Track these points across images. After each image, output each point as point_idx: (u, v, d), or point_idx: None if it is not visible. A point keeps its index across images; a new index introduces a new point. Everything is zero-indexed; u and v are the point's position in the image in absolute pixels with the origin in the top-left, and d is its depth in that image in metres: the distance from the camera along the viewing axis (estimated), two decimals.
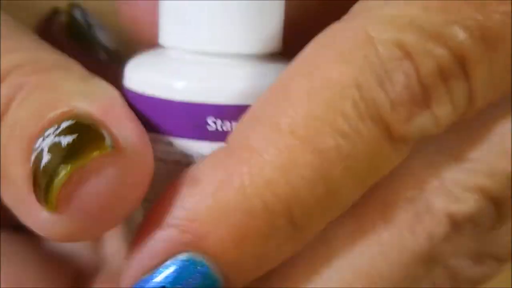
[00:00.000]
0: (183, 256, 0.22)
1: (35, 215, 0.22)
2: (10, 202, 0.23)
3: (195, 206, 0.21)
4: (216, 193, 0.21)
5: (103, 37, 0.32)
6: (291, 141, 0.20)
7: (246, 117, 0.23)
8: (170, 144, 0.26)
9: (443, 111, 0.21)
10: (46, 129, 0.21)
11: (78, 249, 0.30)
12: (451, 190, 0.22)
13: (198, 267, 0.21)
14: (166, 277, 0.21)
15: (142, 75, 0.26)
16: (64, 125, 0.21)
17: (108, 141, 0.21)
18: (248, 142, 0.21)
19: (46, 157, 0.21)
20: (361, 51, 0.20)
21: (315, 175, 0.20)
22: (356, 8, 0.22)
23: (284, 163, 0.20)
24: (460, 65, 0.21)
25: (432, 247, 0.22)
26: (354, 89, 0.20)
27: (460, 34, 0.20)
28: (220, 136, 0.24)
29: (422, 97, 0.21)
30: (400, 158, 0.21)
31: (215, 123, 0.24)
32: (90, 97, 0.22)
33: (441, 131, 0.21)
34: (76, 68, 0.24)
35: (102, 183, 0.20)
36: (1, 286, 0.28)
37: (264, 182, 0.21)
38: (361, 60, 0.20)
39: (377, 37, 0.20)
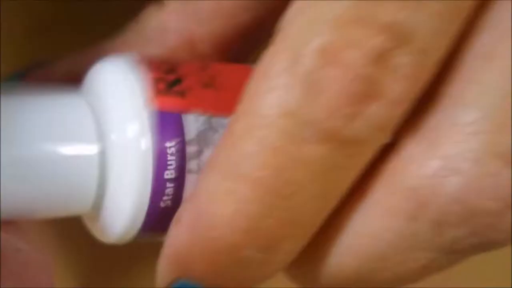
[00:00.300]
0: (180, 281, 0.23)
1: None
2: None
3: (176, 243, 0.23)
4: (189, 232, 0.22)
5: None
6: (240, 185, 0.20)
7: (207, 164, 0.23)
8: None
9: (393, 92, 0.19)
10: None
11: None
12: None
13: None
14: None
15: None
16: None
17: None
18: (206, 188, 0.22)
19: None
20: (286, 70, 0.19)
21: (270, 211, 0.20)
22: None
23: (238, 207, 0.21)
24: (393, 37, 0.19)
25: None
26: (283, 119, 0.19)
27: (383, 11, 0.19)
28: None
29: (361, 92, 0.19)
30: (363, 159, 0.20)
31: None
32: None
33: (405, 108, 0.20)
34: None
35: None
36: None
37: (226, 223, 0.21)
38: (284, 85, 0.19)
39: (301, 49, 0.19)
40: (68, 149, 0.23)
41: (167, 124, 0.23)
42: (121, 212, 0.24)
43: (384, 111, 0.19)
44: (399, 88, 0.19)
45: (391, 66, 0.19)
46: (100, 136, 0.24)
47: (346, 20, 0.18)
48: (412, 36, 0.19)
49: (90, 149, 0.23)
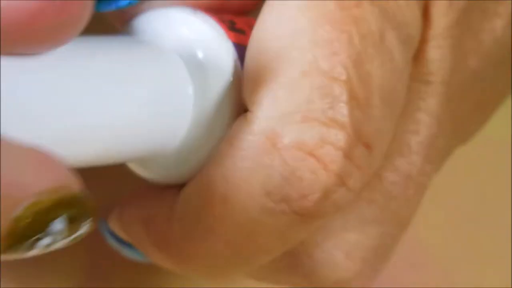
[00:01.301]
0: None
1: None
2: None
3: None
4: None
5: None
6: (217, 260, 0.23)
7: None
8: None
9: (355, 181, 0.23)
10: None
11: None
12: None
13: None
14: None
15: None
16: None
17: None
18: None
19: None
20: (268, 157, 0.23)
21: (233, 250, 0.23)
22: (251, 101, 0.24)
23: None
24: (355, 137, 0.23)
25: None
26: (264, 195, 0.23)
27: (344, 112, 0.23)
28: None
29: (333, 181, 0.23)
30: (315, 225, 0.24)
31: None
32: None
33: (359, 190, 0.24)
34: None
35: None
36: None
37: None
38: (268, 165, 0.23)
39: (280, 143, 0.23)
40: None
41: (241, 56, 0.24)
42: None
43: (344, 195, 0.23)
44: (357, 178, 0.23)
45: (352, 159, 0.23)
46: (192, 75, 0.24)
47: (322, 118, 0.22)
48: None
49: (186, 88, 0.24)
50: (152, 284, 0.32)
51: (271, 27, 0.24)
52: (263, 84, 0.23)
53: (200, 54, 0.24)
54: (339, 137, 0.22)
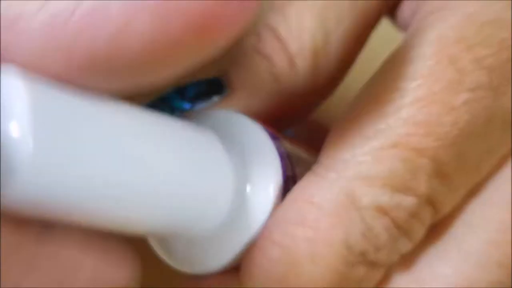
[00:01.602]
0: None
1: None
2: None
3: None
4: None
5: None
6: None
7: None
8: None
9: (417, 235, 0.25)
10: None
11: None
12: None
13: None
14: None
15: None
16: None
17: None
18: None
19: None
20: (347, 215, 0.24)
21: None
22: (330, 160, 0.25)
23: None
24: (426, 202, 0.25)
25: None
26: (345, 249, 0.24)
27: (422, 184, 0.24)
28: None
29: (399, 234, 0.25)
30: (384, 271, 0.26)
31: None
32: None
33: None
34: None
35: None
36: None
37: None
38: (348, 223, 0.24)
39: (359, 203, 0.24)
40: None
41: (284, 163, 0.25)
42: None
43: (406, 247, 0.25)
44: (419, 233, 0.25)
45: (419, 218, 0.25)
46: (237, 175, 0.25)
47: (398, 185, 0.24)
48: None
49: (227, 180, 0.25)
50: (154, 285, 0.32)
51: (364, 95, 0.25)
52: (347, 146, 0.24)
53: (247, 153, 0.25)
54: (414, 203, 0.24)
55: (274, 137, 0.25)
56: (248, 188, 0.25)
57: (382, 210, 0.24)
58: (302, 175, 0.25)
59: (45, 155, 0.18)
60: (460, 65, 0.24)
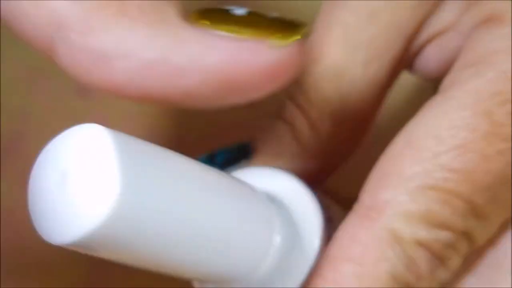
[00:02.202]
0: None
1: None
2: None
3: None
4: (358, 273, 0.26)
5: None
6: None
7: None
8: None
9: (454, 265, 0.27)
10: None
11: None
12: None
13: None
14: None
15: None
16: None
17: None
18: None
19: None
20: (391, 249, 0.26)
21: None
22: (371, 200, 0.26)
23: None
24: (462, 237, 0.26)
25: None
26: (391, 280, 0.26)
27: (458, 222, 0.26)
28: None
29: (438, 264, 0.26)
30: None
31: None
32: None
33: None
34: None
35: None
36: None
37: None
38: (392, 256, 0.26)
39: (400, 238, 0.26)
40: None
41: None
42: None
43: (444, 275, 0.27)
44: (457, 263, 0.27)
45: (457, 250, 0.26)
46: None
47: (437, 221, 0.26)
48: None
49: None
50: (152, 285, 0.32)
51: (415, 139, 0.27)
52: (386, 187, 0.26)
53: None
54: (451, 237, 0.26)
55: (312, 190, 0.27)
56: (293, 239, 0.26)
57: (421, 244, 0.26)
58: (335, 217, 0.27)
59: (130, 199, 0.20)
60: (495, 118, 0.26)
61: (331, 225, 0.27)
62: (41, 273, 0.36)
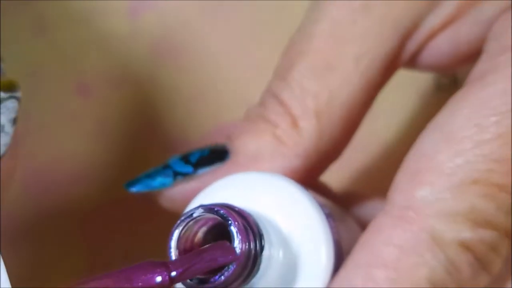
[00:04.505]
0: None
1: None
2: None
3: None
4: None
5: None
6: None
7: None
8: None
9: (495, 268, 0.25)
10: None
11: None
12: None
13: None
14: None
15: None
16: None
17: None
18: None
19: None
20: (430, 252, 0.24)
21: None
22: (405, 199, 0.25)
23: None
24: (505, 235, 0.25)
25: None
26: (430, 286, 0.24)
27: (502, 218, 0.24)
28: None
29: (480, 268, 0.25)
30: None
31: None
32: None
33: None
34: None
35: None
36: None
37: None
38: (432, 260, 0.24)
39: (442, 240, 0.24)
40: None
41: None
42: None
43: (486, 280, 0.25)
44: (497, 266, 0.25)
45: (498, 252, 0.25)
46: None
47: (479, 220, 0.24)
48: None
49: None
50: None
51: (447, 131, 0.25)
52: (423, 184, 0.25)
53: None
54: (494, 237, 0.24)
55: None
56: (297, 249, 0.25)
57: (464, 246, 0.24)
58: (334, 213, 0.26)
59: None
60: None
61: (332, 220, 0.25)
62: (41, 273, 0.36)
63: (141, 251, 0.35)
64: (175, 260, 0.23)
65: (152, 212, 0.35)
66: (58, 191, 0.35)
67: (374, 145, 0.36)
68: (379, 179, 0.35)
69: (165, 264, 0.22)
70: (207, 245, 0.23)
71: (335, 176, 0.30)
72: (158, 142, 0.36)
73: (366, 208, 0.30)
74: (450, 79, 0.36)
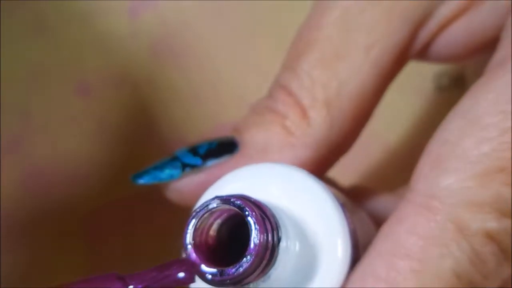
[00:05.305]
0: None
1: None
2: None
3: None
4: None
5: None
6: None
7: None
8: None
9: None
10: None
11: None
12: None
13: None
14: None
15: None
16: None
17: None
18: None
19: None
20: (455, 243, 0.24)
21: None
22: (429, 188, 0.24)
23: None
24: None
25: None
26: (454, 278, 0.24)
27: None
28: None
29: (505, 259, 0.24)
30: None
31: None
32: None
33: None
34: None
35: None
36: None
37: None
38: (457, 251, 0.24)
39: (467, 230, 0.24)
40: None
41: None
42: None
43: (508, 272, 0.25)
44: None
45: None
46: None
47: (505, 209, 0.24)
48: None
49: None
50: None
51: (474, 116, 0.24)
52: (448, 172, 0.24)
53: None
54: None
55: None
56: (314, 242, 0.24)
57: (490, 236, 0.24)
58: (345, 203, 0.26)
59: None
60: None
61: (346, 210, 0.25)
62: (41, 273, 0.36)
63: (141, 251, 0.35)
64: (135, 274, 0.22)
65: (152, 212, 0.35)
66: (58, 191, 0.35)
67: (374, 145, 0.36)
68: (379, 179, 0.35)
69: (123, 279, 0.22)
70: (168, 261, 0.23)
71: (335, 176, 0.30)
72: (157, 142, 0.36)
73: (375, 203, 0.29)
74: (450, 79, 0.36)
